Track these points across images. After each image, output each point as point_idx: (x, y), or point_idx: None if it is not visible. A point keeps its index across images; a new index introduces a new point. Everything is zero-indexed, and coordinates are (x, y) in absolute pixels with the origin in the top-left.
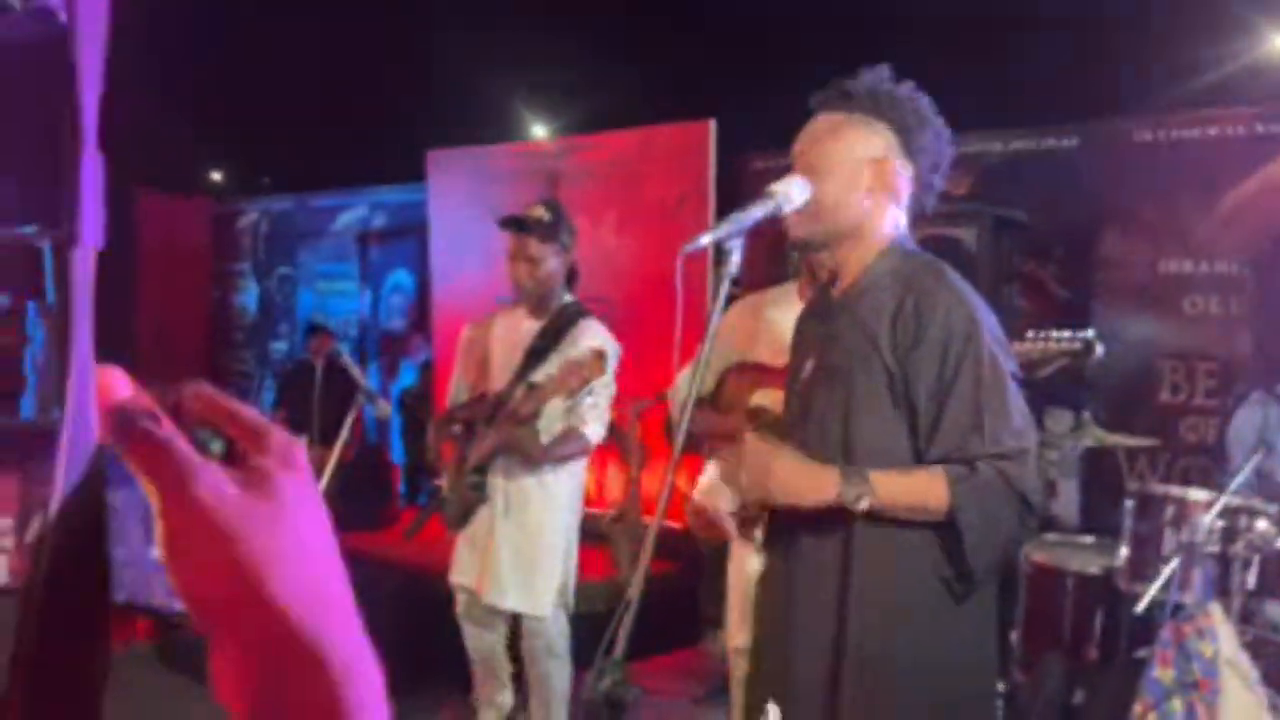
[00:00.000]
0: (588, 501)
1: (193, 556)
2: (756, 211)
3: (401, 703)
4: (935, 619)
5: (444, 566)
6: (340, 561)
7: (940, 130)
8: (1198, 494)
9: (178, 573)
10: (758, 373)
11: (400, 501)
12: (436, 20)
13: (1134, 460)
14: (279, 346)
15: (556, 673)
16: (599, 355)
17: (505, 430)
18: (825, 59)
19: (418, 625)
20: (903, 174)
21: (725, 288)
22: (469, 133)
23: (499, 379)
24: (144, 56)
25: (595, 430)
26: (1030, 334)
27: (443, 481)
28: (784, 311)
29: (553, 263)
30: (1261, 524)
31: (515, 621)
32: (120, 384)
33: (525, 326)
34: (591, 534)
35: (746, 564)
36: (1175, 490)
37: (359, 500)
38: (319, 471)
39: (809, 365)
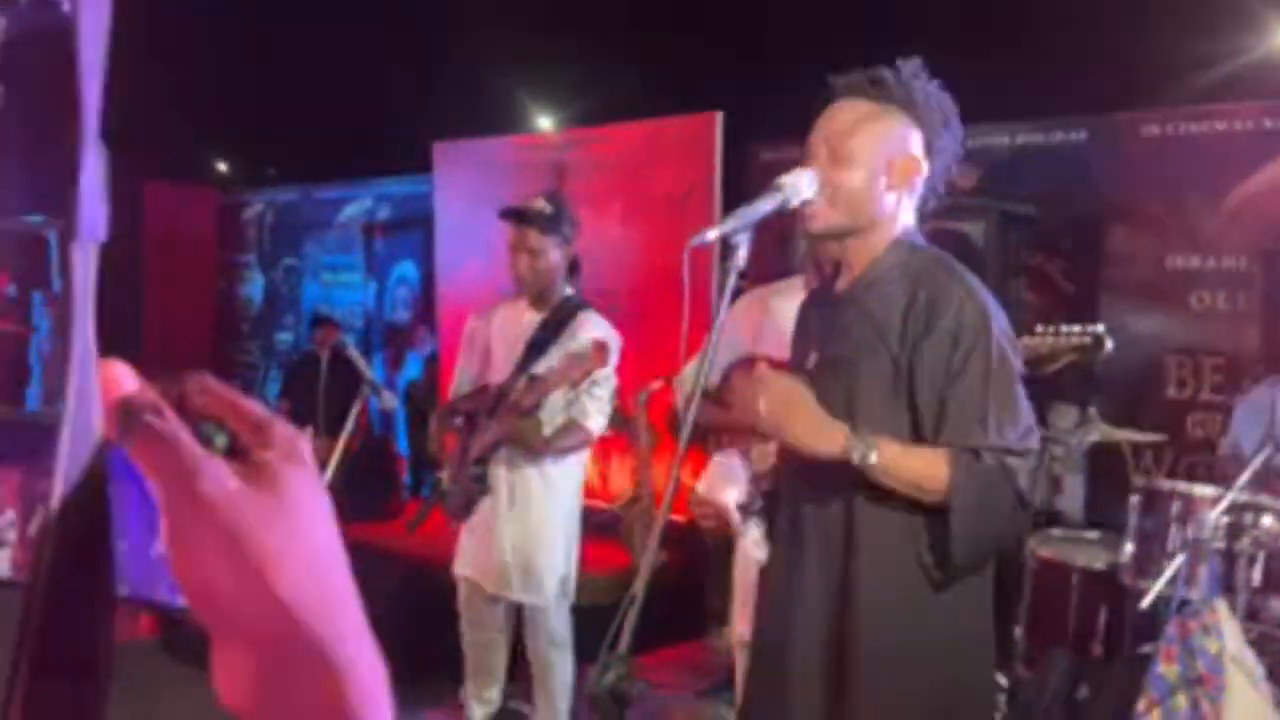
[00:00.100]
0: (592, 495)
1: (196, 551)
2: (764, 205)
3: (393, 694)
4: (933, 607)
5: (448, 558)
6: (344, 557)
7: (958, 133)
8: (1203, 490)
9: (181, 567)
10: None
11: (405, 493)
12: (442, 12)
13: (1140, 456)
14: (284, 338)
15: (560, 663)
16: (600, 347)
17: (508, 422)
18: (832, 50)
19: (419, 617)
20: (922, 172)
21: (732, 281)
22: (475, 125)
23: (500, 371)
24: (150, 47)
25: (597, 422)
26: (1039, 328)
27: (444, 474)
28: (790, 305)
29: (553, 255)
30: (1268, 520)
31: (518, 614)
32: (125, 378)
33: (526, 319)
34: (595, 527)
35: (751, 557)
36: (1181, 486)
37: (364, 492)
38: (324, 463)
39: (812, 356)
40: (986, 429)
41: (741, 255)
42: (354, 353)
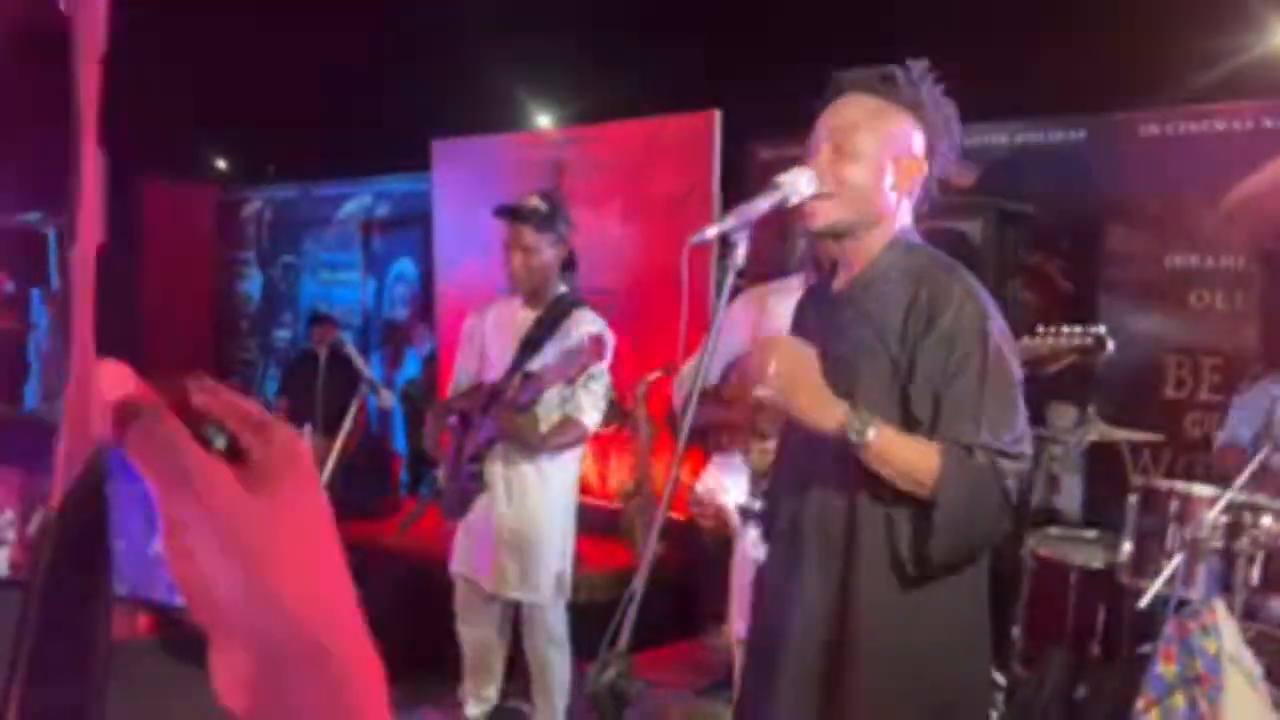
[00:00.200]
0: (591, 493)
1: (194, 552)
2: (763, 203)
3: (391, 692)
4: (932, 607)
5: (445, 557)
6: (342, 558)
7: (956, 139)
8: (1202, 489)
9: (179, 567)
10: None
11: (403, 491)
12: (442, 10)
13: (1138, 455)
14: (282, 335)
15: (557, 660)
16: (597, 341)
17: (504, 418)
18: (831, 49)
19: (417, 615)
20: (923, 174)
21: (730, 280)
22: (474, 122)
23: (495, 368)
24: (149, 44)
25: (592, 417)
26: (1040, 329)
27: (440, 472)
28: (788, 304)
29: (548, 253)
30: (1266, 520)
31: (515, 612)
32: (124, 378)
33: (520, 316)
34: (593, 524)
35: (750, 556)
36: (1179, 485)
37: (361, 490)
38: (322, 461)
39: None
40: (980, 427)
41: (740, 254)
42: (352, 350)
